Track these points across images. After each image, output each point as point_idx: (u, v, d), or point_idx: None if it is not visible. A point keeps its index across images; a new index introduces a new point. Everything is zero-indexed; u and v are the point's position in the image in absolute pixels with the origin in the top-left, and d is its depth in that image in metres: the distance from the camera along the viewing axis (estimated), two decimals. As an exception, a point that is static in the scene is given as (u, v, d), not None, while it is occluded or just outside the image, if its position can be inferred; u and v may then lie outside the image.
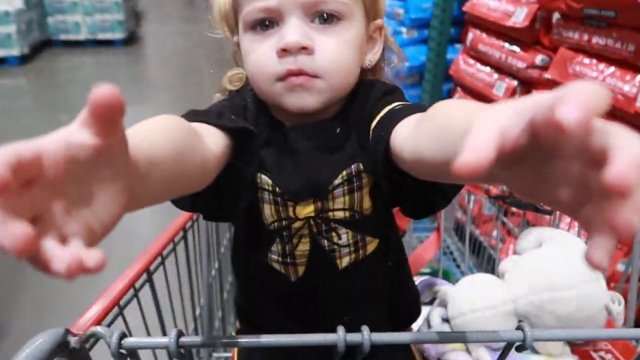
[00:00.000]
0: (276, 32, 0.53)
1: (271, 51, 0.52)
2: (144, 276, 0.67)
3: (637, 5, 1.13)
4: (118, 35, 5.54)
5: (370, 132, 0.53)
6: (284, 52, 0.51)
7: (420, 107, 0.48)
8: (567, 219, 1.08)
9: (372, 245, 0.61)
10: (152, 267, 0.69)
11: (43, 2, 5.24)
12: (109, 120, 0.27)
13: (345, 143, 0.58)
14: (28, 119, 3.36)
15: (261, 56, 0.53)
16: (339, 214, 0.58)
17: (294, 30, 0.51)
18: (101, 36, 5.49)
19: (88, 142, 0.27)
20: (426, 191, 0.51)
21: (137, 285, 0.65)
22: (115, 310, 0.60)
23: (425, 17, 2.12)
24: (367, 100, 0.57)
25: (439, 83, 2.01)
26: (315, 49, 0.52)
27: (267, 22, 0.53)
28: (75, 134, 0.27)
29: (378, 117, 0.53)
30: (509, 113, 0.26)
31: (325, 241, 0.59)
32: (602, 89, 0.22)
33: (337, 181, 0.57)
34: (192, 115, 0.50)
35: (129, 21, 5.96)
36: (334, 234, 0.59)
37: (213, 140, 0.47)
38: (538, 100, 0.24)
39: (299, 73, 0.52)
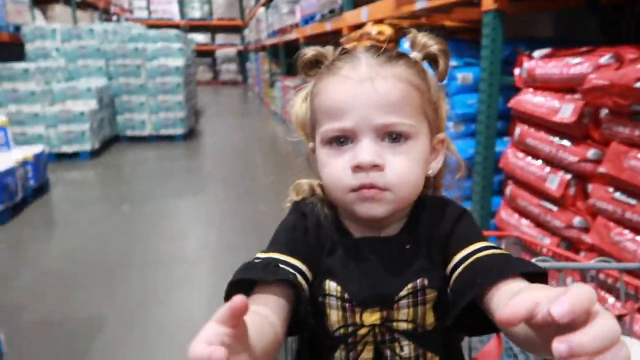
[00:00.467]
0: (350, 148, 0.59)
1: (346, 166, 0.59)
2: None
3: (688, 102, 1.14)
4: (179, 130, 5.98)
5: (455, 267, 0.58)
6: (358, 168, 0.57)
7: (508, 261, 0.55)
8: None
9: None
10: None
11: (114, 102, 5.80)
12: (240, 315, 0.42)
13: (414, 258, 0.62)
14: (93, 209, 3.59)
15: (337, 169, 0.60)
16: (402, 325, 0.61)
17: (367, 150, 0.57)
18: (163, 132, 5.94)
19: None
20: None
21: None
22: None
23: (471, 112, 2.19)
24: (441, 221, 0.62)
25: (490, 175, 2.03)
26: (385, 165, 0.57)
27: (342, 139, 0.60)
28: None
29: (463, 255, 0.58)
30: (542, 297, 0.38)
31: (388, 351, 0.62)
32: (589, 293, 0.34)
33: (403, 293, 0.61)
34: (243, 272, 0.59)
35: (189, 118, 6.44)
36: (396, 344, 0.62)
37: (276, 306, 0.57)
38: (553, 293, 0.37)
39: (371, 187, 0.58)
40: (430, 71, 0.66)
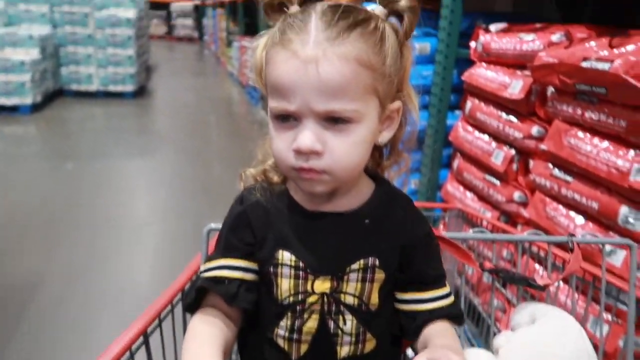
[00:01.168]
0: (295, 126, 0.59)
1: (289, 147, 0.59)
2: (140, 339, 0.67)
3: (626, 83, 1.18)
4: (129, 87, 5.72)
5: (414, 301, 0.67)
6: (298, 152, 0.58)
7: (448, 313, 0.67)
8: (565, 293, 1.08)
9: (370, 344, 0.66)
10: (149, 330, 0.69)
11: (59, 53, 5.46)
12: None
13: (371, 236, 0.65)
14: (33, 165, 3.41)
15: (281, 148, 0.60)
16: (349, 299, 0.64)
17: (306, 136, 0.57)
18: (112, 88, 5.67)
19: None
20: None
21: (134, 348, 0.66)
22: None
23: (425, 84, 2.20)
24: (414, 228, 0.68)
25: (439, 148, 2.06)
26: (325, 150, 0.58)
27: (287, 117, 0.60)
28: None
29: (424, 298, 0.67)
30: None
31: (332, 323, 0.64)
32: None
33: (354, 266, 0.63)
34: (195, 291, 0.66)
35: (140, 74, 6.17)
36: (341, 317, 0.64)
37: (228, 309, 0.65)
38: None
39: (309, 170, 0.59)
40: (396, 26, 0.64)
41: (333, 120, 0.58)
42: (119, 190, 3.11)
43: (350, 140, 0.59)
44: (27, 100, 4.65)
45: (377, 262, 0.64)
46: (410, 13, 0.63)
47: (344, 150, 0.58)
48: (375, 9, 0.63)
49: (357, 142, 0.59)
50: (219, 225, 0.72)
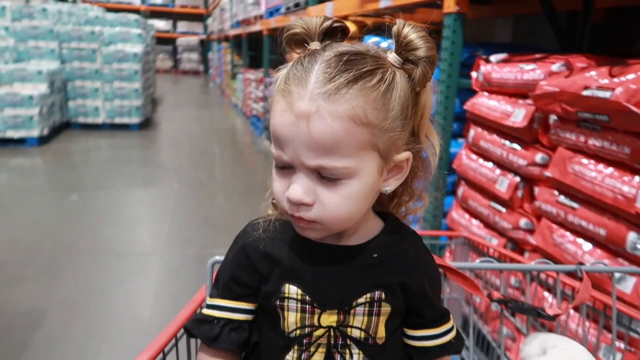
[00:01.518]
0: (291, 174, 0.60)
1: (284, 191, 0.60)
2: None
3: (628, 111, 1.19)
4: (134, 119, 5.80)
5: (419, 338, 0.68)
6: (289, 201, 0.59)
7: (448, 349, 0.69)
8: (575, 321, 1.06)
9: None
10: (153, 365, 0.68)
11: (66, 87, 5.56)
12: None
13: (378, 270, 0.64)
14: (38, 197, 3.43)
15: (279, 191, 0.61)
16: (356, 332, 0.64)
17: (298, 186, 0.58)
18: (118, 120, 5.76)
19: None
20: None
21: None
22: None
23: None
24: (424, 266, 0.68)
25: (444, 176, 2.07)
26: (316, 201, 0.58)
27: (283, 165, 0.60)
28: None
29: (429, 335, 0.68)
30: None
31: (339, 356, 0.64)
32: None
33: (361, 300, 0.63)
34: (194, 330, 0.68)
35: (146, 107, 6.26)
36: (347, 351, 0.64)
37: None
38: None
39: (300, 218, 0.60)
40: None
41: (324, 174, 0.57)
42: (123, 221, 3.11)
43: (342, 194, 0.58)
44: (34, 133, 4.71)
45: (383, 296, 0.63)
46: (427, 63, 0.59)
47: (335, 203, 0.58)
48: (390, 56, 0.60)
49: (350, 196, 0.58)
50: (223, 258, 0.72)
